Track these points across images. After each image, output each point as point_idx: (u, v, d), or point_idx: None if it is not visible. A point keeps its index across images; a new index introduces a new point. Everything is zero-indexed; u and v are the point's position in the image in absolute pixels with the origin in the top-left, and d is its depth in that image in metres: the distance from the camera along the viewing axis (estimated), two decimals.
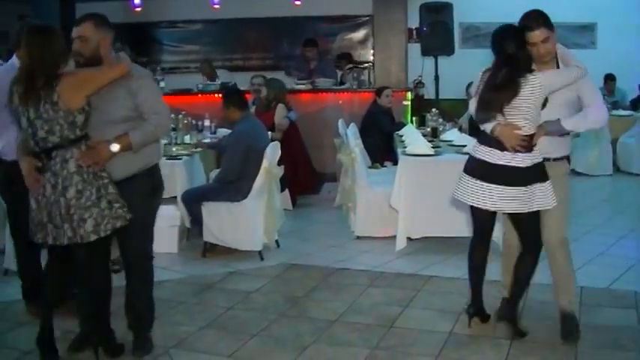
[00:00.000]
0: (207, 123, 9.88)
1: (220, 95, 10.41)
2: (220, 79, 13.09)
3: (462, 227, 7.60)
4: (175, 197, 7.72)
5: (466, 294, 5.96)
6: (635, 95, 14.65)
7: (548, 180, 5.01)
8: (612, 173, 13.07)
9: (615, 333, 5.44)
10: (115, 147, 4.67)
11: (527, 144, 4.92)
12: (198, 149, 8.70)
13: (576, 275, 6.80)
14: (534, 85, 4.84)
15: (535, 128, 4.95)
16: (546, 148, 5.11)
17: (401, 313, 5.91)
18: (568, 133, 5.22)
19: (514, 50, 4.96)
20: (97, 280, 4.95)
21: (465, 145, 8.17)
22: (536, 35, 4.94)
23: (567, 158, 5.41)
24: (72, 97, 4.52)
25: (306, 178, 10.32)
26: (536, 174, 4.98)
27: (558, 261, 5.33)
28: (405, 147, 8.37)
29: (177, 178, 7.74)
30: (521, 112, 4.89)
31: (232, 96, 7.92)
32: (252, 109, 10.11)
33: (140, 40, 16.05)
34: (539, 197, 5.01)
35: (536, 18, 5.00)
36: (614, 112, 13.50)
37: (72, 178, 4.54)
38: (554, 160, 5.24)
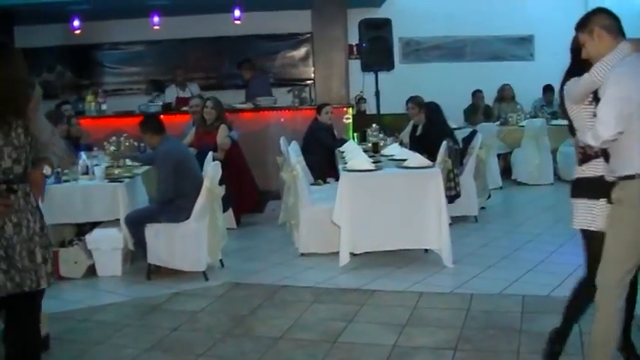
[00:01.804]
0: None
1: (164, 116, 10.38)
2: (191, 90, 13.23)
3: (403, 241, 7.73)
4: (118, 220, 7.71)
5: (409, 306, 6.07)
6: None
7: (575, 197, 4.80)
8: (553, 182, 13.26)
9: None
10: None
11: (581, 154, 4.70)
12: (141, 170, 8.71)
13: (518, 284, 6.97)
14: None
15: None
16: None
17: (345, 328, 5.95)
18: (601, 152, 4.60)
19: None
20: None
21: (405, 160, 8.28)
22: (579, 37, 4.58)
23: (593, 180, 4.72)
24: (34, 121, 4.11)
25: (250, 196, 10.35)
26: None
27: None
28: (346, 163, 8.43)
29: (119, 200, 7.73)
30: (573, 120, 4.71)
31: (147, 122, 7.92)
32: (193, 131, 10.15)
33: (81, 63, 16.01)
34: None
35: (579, 20, 4.60)
36: (554, 122, 13.74)
37: (36, 213, 4.08)
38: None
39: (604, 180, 4.48)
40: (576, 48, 4.62)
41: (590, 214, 4.64)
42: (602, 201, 4.52)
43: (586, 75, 4.40)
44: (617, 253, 4.34)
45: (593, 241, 4.66)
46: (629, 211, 4.27)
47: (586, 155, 4.62)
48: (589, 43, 4.44)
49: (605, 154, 4.47)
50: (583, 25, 4.47)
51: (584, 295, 4.80)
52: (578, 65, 4.56)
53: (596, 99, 4.41)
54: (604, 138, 4.19)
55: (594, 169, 4.61)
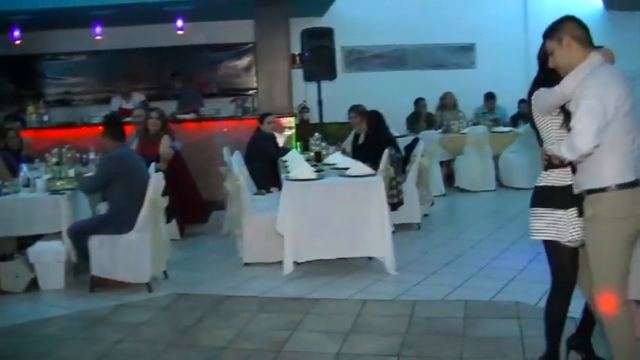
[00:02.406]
0: (92, 156, 9.73)
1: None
2: (134, 101, 13.16)
3: (347, 249, 7.77)
4: (60, 232, 7.64)
5: (353, 313, 6.12)
6: (515, 112, 15.14)
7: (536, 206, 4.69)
8: (495, 188, 13.46)
9: (498, 343, 5.63)
10: None
11: (545, 162, 4.63)
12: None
13: (460, 289, 7.04)
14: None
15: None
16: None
17: (289, 337, 5.97)
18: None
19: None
20: None
21: (347, 168, 8.33)
22: (547, 45, 4.50)
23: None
24: None
25: (194, 207, 10.32)
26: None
27: None
28: (289, 172, 8.46)
29: (61, 212, 7.68)
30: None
31: (112, 126, 7.90)
32: (135, 141, 10.09)
33: (22, 73, 15.80)
34: None
35: (548, 28, 4.52)
36: (496, 128, 13.96)
37: None
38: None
39: (571, 189, 4.42)
40: (544, 56, 4.55)
41: (555, 225, 4.51)
42: (572, 211, 4.44)
43: (556, 88, 4.33)
44: (611, 266, 4.26)
45: (556, 253, 4.60)
46: (608, 224, 4.21)
47: (550, 164, 4.54)
48: (558, 52, 4.37)
49: (572, 166, 4.42)
50: (552, 32, 4.40)
51: (555, 306, 4.69)
52: (546, 74, 4.52)
53: (564, 110, 4.39)
54: (582, 151, 4.13)
55: (560, 177, 4.51)
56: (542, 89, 4.48)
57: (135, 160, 7.89)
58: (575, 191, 4.39)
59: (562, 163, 4.43)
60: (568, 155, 4.21)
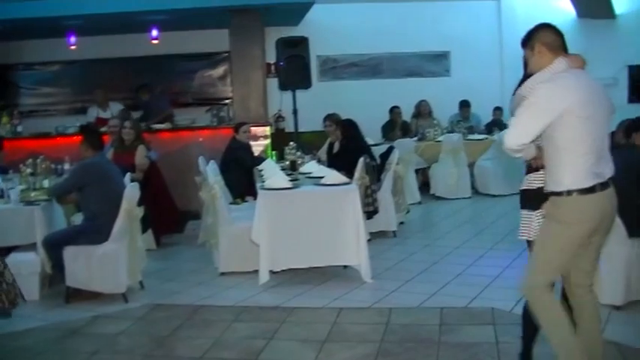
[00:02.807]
0: (67, 167, 9.66)
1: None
2: (112, 111, 13.08)
3: (322, 257, 7.79)
4: (35, 243, 7.60)
5: (329, 321, 6.14)
6: (490, 120, 15.23)
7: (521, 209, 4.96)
8: (471, 196, 13.53)
9: (474, 349, 5.67)
10: None
11: (527, 166, 4.88)
12: None
13: (436, 296, 7.08)
14: None
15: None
16: None
17: (266, 346, 5.97)
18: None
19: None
20: None
21: (322, 177, 8.35)
22: (524, 53, 4.72)
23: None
24: None
25: (170, 217, 10.31)
26: None
27: None
28: (264, 181, 8.46)
29: (36, 223, 7.63)
30: None
31: (89, 135, 7.90)
32: (111, 151, 10.06)
33: None
34: None
35: (524, 37, 4.70)
36: (470, 136, 14.05)
37: None
38: None
39: (541, 192, 4.55)
40: (525, 62, 4.71)
41: (530, 225, 4.77)
42: (539, 212, 4.63)
43: (518, 90, 4.53)
44: (548, 262, 4.42)
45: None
46: (560, 226, 4.34)
47: (529, 168, 4.76)
48: (531, 59, 4.55)
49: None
50: (526, 40, 4.57)
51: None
52: (527, 79, 4.63)
53: None
54: (509, 147, 4.32)
55: (534, 181, 4.73)
56: (517, 92, 4.62)
57: (109, 169, 7.86)
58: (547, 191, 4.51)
59: (537, 167, 4.63)
60: (504, 150, 4.41)
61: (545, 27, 4.56)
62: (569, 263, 4.45)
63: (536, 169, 4.69)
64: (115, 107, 13.39)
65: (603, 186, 4.31)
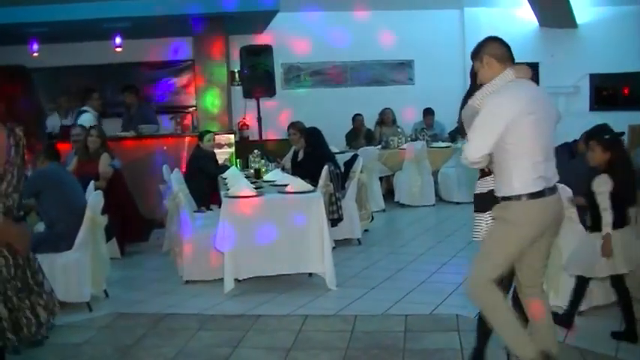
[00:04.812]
0: (28, 174, 9.58)
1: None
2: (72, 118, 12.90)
3: (287, 265, 7.80)
4: None
5: (294, 329, 6.16)
6: (453, 128, 15.30)
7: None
8: (435, 203, 13.59)
9: (439, 355, 5.74)
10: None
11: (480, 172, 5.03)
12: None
13: (401, 304, 7.11)
14: None
15: None
16: None
17: (231, 354, 5.97)
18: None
19: None
20: None
21: (287, 185, 8.36)
22: (474, 65, 4.86)
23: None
24: None
25: (134, 225, 10.23)
26: None
27: None
28: (228, 189, 8.45)
29: None
30: None
31: (46, 146, 7.84)
32: (75, 160, 10.00)
33: None
34: None
35: (473, 49, 4.83)
36: (434, 144, 14.14)
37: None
38: None
39: (492, 195, 4.68)
40: (474, 74, 4.86)
41: (481, 227, 4.93)
42: (489, 213, 4.76)
43: (469, 101, 4.65)
44: (493, 259, 4.53)
45: None
46: (509, 227, 4.46)
47: (482, 172, 4.91)
48: (480, 70, 4.69)
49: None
50: (475, 53, 4.72)
51: None
52: (475, 90, 4.76)
53: None
54: (470, 159, 4.47)
55: (485, 185, 4.88)
56: (468, 103, 4.74)
57: (64, 176, 7.85)
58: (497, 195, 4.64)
59: (489, 171, 4.78)
60: (465, 162, 4.54)
61: (493, 40, 4.73)
62: (512, 262, 4.59)
63: (489, 173, 4.83)
64: (86, 116, 13.17)
65: (551, 190, 4.48)
